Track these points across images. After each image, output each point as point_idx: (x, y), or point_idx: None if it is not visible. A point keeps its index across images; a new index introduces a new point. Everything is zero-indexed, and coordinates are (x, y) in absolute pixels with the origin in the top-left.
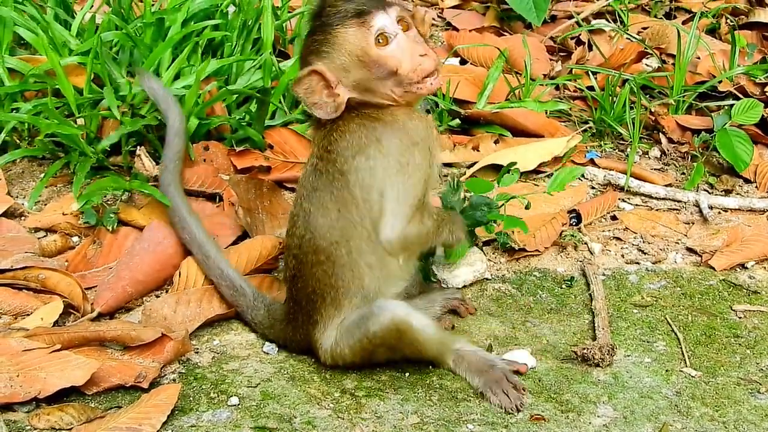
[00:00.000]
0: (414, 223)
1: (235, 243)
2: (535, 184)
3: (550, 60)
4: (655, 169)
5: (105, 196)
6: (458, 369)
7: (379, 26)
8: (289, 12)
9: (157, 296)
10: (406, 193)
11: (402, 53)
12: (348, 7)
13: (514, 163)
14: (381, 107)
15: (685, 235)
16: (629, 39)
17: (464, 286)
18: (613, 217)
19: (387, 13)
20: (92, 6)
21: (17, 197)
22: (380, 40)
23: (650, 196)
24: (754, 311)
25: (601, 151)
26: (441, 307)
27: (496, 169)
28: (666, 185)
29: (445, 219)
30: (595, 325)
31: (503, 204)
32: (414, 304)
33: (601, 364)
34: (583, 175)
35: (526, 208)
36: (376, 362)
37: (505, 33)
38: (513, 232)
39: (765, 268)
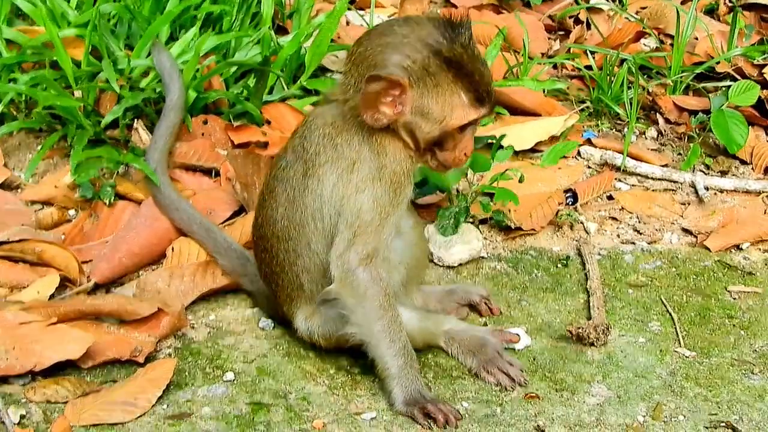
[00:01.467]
0: (351, 254)
1: (231, 218)
2: (532, 163)
3: (549, 39)
4: (651, 150)
5: (102, 170)
6: (451, 350)
7: (477, 119)
8: None
9: (153, 270)
10: (354, 220)
11: (463, 143)
12: (475, 76)
13: (504, 137)
14: (386, 133)
15: (681, 216)
16: (628, 18)
17: (460, 265)
18: (610, 197)
19: (487, 111)
20: None
21: (14, 169)
22: (465, 127)
23: (646, 177)
24: (748, 292)
25: (598, 131)
26: (459, 299)
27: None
28: (662, 165)
29: (397, 316)
30: (590, 304)
31: (497, 179)
32: (424, 291)
33: (595, 344)
34: (579, 155)
35: (520, 181)
36: None
37: (504, 11)
38: (509, 210)
39: (760, 249)
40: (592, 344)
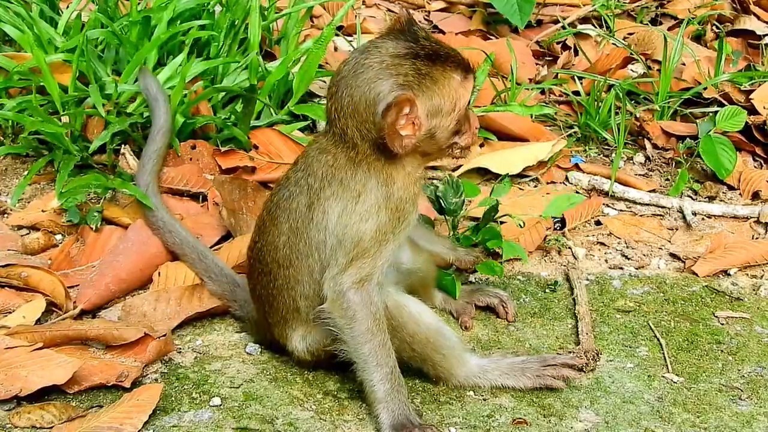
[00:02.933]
0: (345, 278)
1: (218, 243)
2: (520, 188)
3: (536, 64)
4: (639, 175)
5: (89, 195)
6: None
7: (474, 87)
8: (276, 12)
9: (139, 294)
10: (353, 245)
11: (472, 118)
12: (451, 53)
13: (507, 175)
14: (391, 160)
15: (669, 241)
16: (615, 44)
17: None
18: (597, 222)
19: (474, 76)
20: (79, 3)
21: (0, 195)
22: (468, 102)
23: (634, 202)
24: (736, 318)
25: (586, 156)
26: (477, 300)
27: (481, 172)
28: (650, 191)
29: (387, 347)
30: (579, 329)
31: (493, 215)
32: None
33: (584, 369)
34: (567, 180)
35: (520, 227)
36: None
37: (492, 37)
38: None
39: (748, 275)
40: (581, 370)
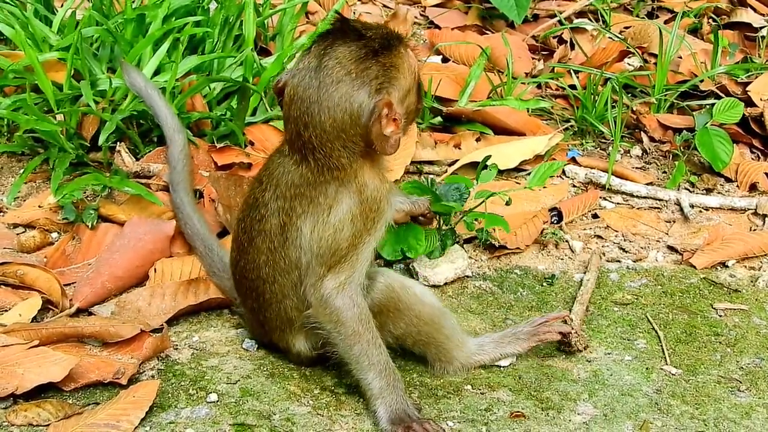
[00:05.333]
0: (327, 285)
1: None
2: (517, 182)
3: (533, 59)
4: (636, 168)
5: (85, 192)
6: None
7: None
8: (271, 9)
9: (134, 289)
10: (331, 253)
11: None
12: (392, 32)
13: (489, 157)
14: (366, 163)
15: (666, 234)
16: (611, 38)
17: (445, 284)
18: (595, 216)
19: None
20: (73, 2)
21: None
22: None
23: (631, 195)
24: (734, 309)
25: (583, 150)
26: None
27: (477, 167)
28: (647, 184)
29: (377, 344)
30: (573, 309)
31: (483, 201)
32: None
33: (577, 347)
34: (564, 173)
35: (507, 204)
36: None
37: (488, 31)
38: (494, 229)
39: (745, 266)
40: (576, 350)
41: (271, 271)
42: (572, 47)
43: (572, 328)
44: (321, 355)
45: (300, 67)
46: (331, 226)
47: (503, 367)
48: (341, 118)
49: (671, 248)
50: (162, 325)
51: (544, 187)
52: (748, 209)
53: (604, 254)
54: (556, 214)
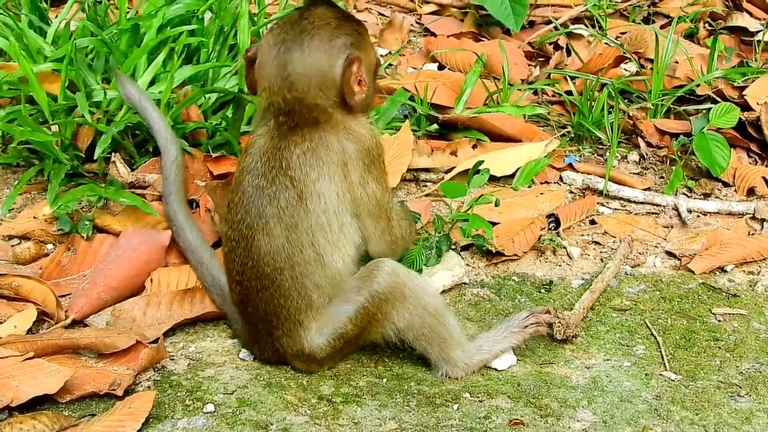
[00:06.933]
0: (395, 231)
1: (213, 248)
2: (513, 189)
3: (529, 65)
4: (633, 173)
5: (80, 203)
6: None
7: None
8: (266, 18)
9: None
10: (379, 209)
11: None
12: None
13: (482, 162)
14: (345, 115)
15: (664, 239)
16: (607, 44)
17: (443, 291)
18: (592, 222)
19: None
20: (68, 13)
21: None
22: None
23: (629, 200)
24: (733, 314)
25: (580, 156)
26: None
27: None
28: (645, 189)
29: (409, 216)
30: (581, 298)
31: (471, 205)
32: None
33: (554, 328)
34: (561, 180)
35: (496, 205)
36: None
37: (484, 38)
38: (483, 234)
39: (744, 271)
40: (551, 328)
41: (291, 252)
42: (568, 53)
43: (557, 317)
44: (334, 351)
45: (275, 30)
46: (357, 185)
47: (501, 371)
48: (320, 61)
49: (669, 253)
50: (158, 336)
51: (541, 194)
52: (746, 214)
53: (602, 260)
54: (554, 220)
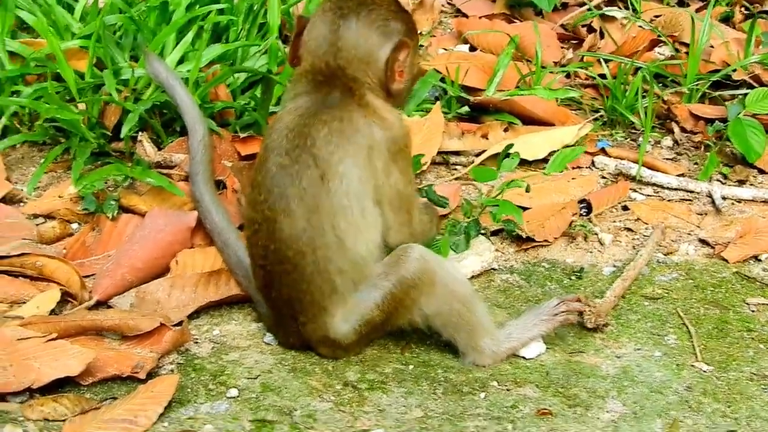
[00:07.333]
0: (415, 225)
1: (239, 229)
2: (545, 173)
3: (561, 47)
4: (667, 159)
5: (106, 182)
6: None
7: None
8: None
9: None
10: (401, 200)
11: None
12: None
13: (512, 145)
14: (375, 100)
15: (698, 227)
16: (641, 27)
17: (472, 277)
18: (625, 208)
19: None
20: None
21: (16, 183)
22: None
23: (662, 187)
24: (767, 305)
25: (613, 141)
26: None
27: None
28: (678, 175)
29: (432, 211)
30: (613, 286)
31: (502, 190)
32: None
33: (584, 316)
34: (593, 164)
35: (527, 191)
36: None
37: (516, 20)
38: (525, 221)
39: None
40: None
41: (312, 236)
42: (602, 36)
43: (587, 305)
44: (360, 338)
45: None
46: (380, 172)
47: (530, 360)
48: (372, 36)
49: (703, 241)
50: (182, 318)
51: (573, 179)
52: None
53: (634, 247)
54: (585, 206)
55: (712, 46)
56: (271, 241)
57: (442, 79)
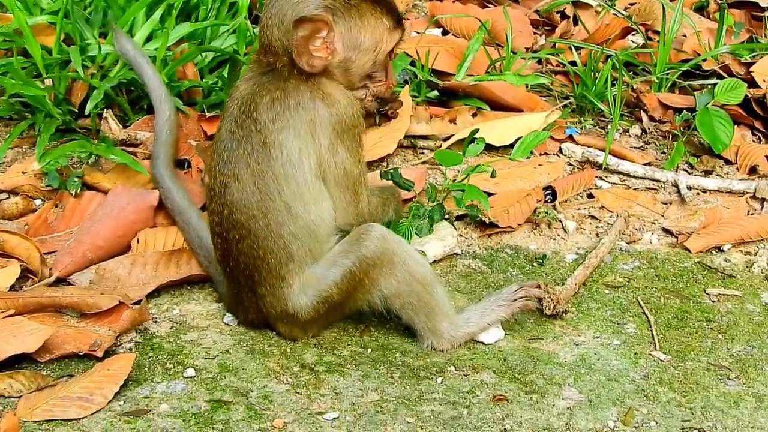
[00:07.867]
0: (362, 206)
1: (201, 210)
2: (512, 159)
3: (534, 33)
4: (634, 148)
5: (71, 159)
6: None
7: (400, 40)
8: None
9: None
10: (347, 179)
11: (391, 72)
12: (391, 3)
13: (477, 131)
14: (324, 79)
15: (662, 216)
16: (616, 14)
17: (434, 261)
18: (590, 195)
19: (403, 32)
20: None
21: None
22: (391, 52)
23: (628, 175)
24: (727, 295)
25: (581, 128)
26: None
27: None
28: (645, 164)
29: (388, 196)
30: (573, 273)
31: (468, 174)
32: None
33: (557, 313)
34: (561, 151)
35: (492, 176)
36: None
37: (490, 5)
38: (479, 205)
39: (741, 251)
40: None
41: (261, 198)
42: (575, 23)
43: (547, 292)
44: (319, 316)
45: None
46: (324, 149)
47: (488, 345)
48: (287, 8)
49: (666, 231)
50: (142, 297)
51: (540, 165)
52: (747, 192)
53: (597, 235)
54: (551, 192)
55: (684, 36)
56: (224, 206)
57: (413, 63)
